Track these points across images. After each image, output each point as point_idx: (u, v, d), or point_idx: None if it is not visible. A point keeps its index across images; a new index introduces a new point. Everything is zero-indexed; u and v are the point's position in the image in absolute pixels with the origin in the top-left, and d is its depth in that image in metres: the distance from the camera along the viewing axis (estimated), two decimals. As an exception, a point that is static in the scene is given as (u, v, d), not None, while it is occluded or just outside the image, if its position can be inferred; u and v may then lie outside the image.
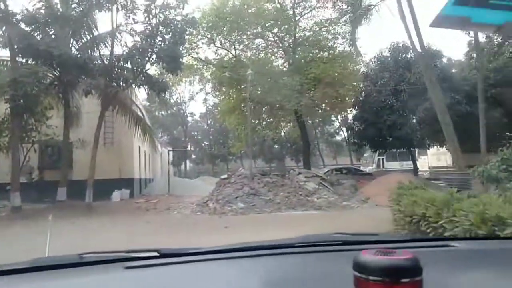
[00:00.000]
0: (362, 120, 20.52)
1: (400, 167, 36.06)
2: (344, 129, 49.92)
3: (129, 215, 15.14)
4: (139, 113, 20.66)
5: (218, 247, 1.38)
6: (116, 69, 16.79)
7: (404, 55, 21.47)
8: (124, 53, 16.24)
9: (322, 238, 1.58)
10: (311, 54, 19.79)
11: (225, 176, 17.57)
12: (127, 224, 12.46)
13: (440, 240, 1.67)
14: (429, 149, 29.01)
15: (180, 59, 17.51)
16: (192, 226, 11.34)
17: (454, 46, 68.11)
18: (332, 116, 34.16)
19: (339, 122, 50.86)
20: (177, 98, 45.77)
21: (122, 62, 16.53)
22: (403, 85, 19.51)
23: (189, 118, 47.37)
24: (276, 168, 45.27)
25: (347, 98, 19.40)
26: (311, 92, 18.17)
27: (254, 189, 15.75)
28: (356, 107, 21.40)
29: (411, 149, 24.84)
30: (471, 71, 21.31)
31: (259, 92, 19.48)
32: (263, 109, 21.51)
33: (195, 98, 46.73)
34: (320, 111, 20.79)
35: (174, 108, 45.19)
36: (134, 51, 15.83)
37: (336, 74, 18.74)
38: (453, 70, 21.61)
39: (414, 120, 19.49)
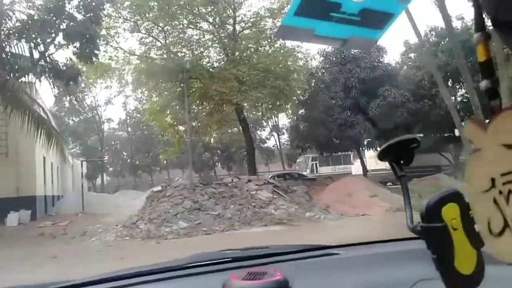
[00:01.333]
0: (309, 120, 18.55)
1: (333, 172, 35.31)
2: (275, 134, 48.59)
3: (28, 246, 11.00)
4: (42, 114, 16.24)
5: (89, 279, 1.31)
6: (4, 50, 12.48)
7: (348, 51, 20.17)
8: (18, 27, 12.07)
9: (211, 256, 1.53)
10: (252, 46, 17.26)
11: (159, 188, 14.18)
12: (23, 263, 8.53)
13: (323, 249, 1.59)
14: (367, 151, 28.41)
15: (97, 40, 13.81)
16: (123, 262, 7.86)
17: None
18: (268, 118, 32.07)
19: (270, 127, 49.32)
20: (92, 102, 40.20)
21: (13, 40, 12.29)
22: (352, 81, 18.03)
23: (106, 125, 41.95)
24: (206, 177, 42.15)
25: (295, 94, 17.19)
26: (258, 86, 15.66)
27: (198, 203, 12.63)
28: (302, 106, 19.42)
29: (359, 150, 23.73)
30: (411, 69, 20.70)
31: (198, 85, 16.46)
32: (203, 106, 18.33)
33: (112, 102, 41.53)
34: (269, 107, 18.31)
35: (89, 114, 39.50)
36: (30, 25, 11.77)
37: (281, 68, 16.52)
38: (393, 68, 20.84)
39: (365, 119, 18.07)
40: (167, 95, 18.06)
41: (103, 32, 18.89)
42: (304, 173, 27.50)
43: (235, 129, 25.65)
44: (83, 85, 40.29)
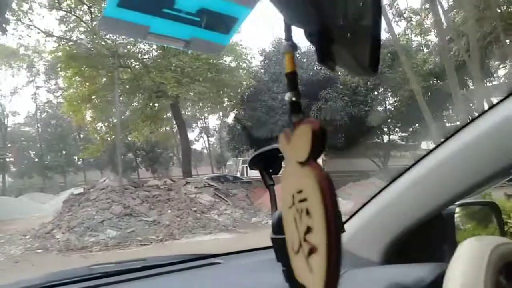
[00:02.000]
0: (249, 121, 17.65)
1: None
2: (204, 136, 47.08)
3: None
4: None
5: None
6: None
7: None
8: None
9: (74, 273, 1.31)
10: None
11: (80, 190, 12.07)
12: None
13: (205, 258, 1.46)
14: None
15: (6, 13, 11.36)
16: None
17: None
18: (203, 117, 30.38)
19: (199, 128, 47.93)
20: (-7, 90, 34.81)
21: None
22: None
23: (11, 119, 36.57)
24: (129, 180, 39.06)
25: (239, 91, 16.09)
26: (201, 79, 14.27)
27: (130, 208, 10.89)
28: (242, 106, 18.46)
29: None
30: (346, 76, 20.99)
31: (128, 75, 14.54)
32: (133, 99, 16.25)
33: (19, 93, 36.30)
34: (209, 104, 16.87)
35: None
36: None
37: (224, 63, 15.37)
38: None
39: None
40: (90, 85, 15.72)
41: (13, 6, 16.01)
42: (239, 176, 26.59)
43: (164, 128, 23.82)
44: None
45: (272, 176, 0.85)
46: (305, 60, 19.45)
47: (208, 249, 8.40)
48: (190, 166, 17.74)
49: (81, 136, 37.44)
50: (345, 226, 1.12)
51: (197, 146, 47.41)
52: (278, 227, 0.66)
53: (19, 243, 9.79)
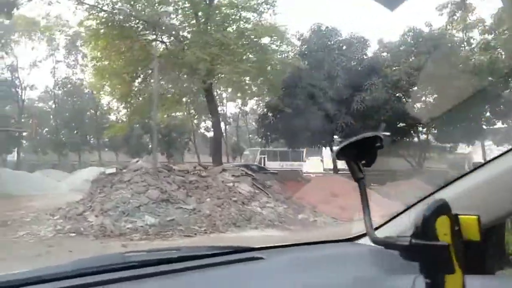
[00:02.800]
0: (284, 108, 16.41)
1: (280, 167, 33.88)
2: (223, 123, 45.95)
3: None
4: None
5: None
6: None
7: (331, 37, 18.52)
8: None
9: (107, 260, 1.20)
10: (232, 13, 14.42)
11: (112, 170, 11.10)
12: None
13: (245, 251, 1.33)
14: (325, 149, 27.33)
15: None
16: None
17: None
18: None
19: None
20: (13, 62, 33.93)
21: None
22: (338, 70, 16.36)
23: (28, 92, 35.71)
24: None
25: (281, 74, 14.79)
26: (245, 58, 13.11)
27: (167, 193, 9.90)
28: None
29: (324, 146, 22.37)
30: (386, 68, 19.62)
31: (165, 48, 13.38)
32: (169, 76, 15.07)
33: (38, 66, 35.30)
34: (248, 87, 15.65)
35: (5, 75, 33.22)
36: None
37: (263, 44, 14.15)
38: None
39: (347, 113, 16.46)
40: (121, 59, 14.61)
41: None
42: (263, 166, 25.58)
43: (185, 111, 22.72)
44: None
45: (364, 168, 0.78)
46: (347, 48, 18.27)
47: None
48: (221, 153, 16.67)
49: (98, 114, 36.65)
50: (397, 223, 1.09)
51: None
52: (423, 231, 0.59)
53: (48, 223, 8.87)
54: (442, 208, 0.62)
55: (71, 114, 35.27)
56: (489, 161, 0.98)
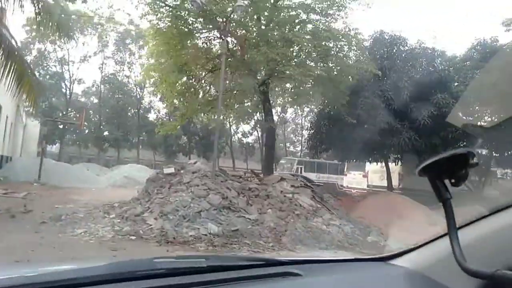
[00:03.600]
0: (346, 117, 15.27)
1: (317, 180, 32.73)
2: (259, 129, 45.33)
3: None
4: (13, 42, 11.97)
5: None
6: None
7: (394, 48, 17.38)
8: None
9: (138, 266, 1.16)
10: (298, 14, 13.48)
11: (170, 170, 10.47)
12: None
13: (279, 265, 1.23)
14: (370, 164, 26.05)
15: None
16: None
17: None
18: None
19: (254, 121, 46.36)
20: (64, 55, 34.78)
21: None
22: (405, 81, 15.19)
23: (75, 86, 36.53)
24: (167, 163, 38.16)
25: (348, 81, 13.68)
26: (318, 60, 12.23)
27: (228, 199, 9.17)
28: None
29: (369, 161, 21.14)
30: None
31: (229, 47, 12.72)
32: (229, 76, 14.39)
33: (89, 61, 36.06)
34: (307, 94, 14.67)
35: (56, 68, 34.07)
36: None
37: (335, 47, 13.20)
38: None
39: (411, 127, 15.22)
40: (185, 54, 14.06)
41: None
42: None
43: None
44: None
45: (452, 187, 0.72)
46: (413, 58, 17.09)
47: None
48: (273, 161, 15.85)
49: (140, 112, 36.90)
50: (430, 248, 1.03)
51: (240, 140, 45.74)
52: None
53: (105, 222, 8.30)
54: None
55: (114, 110, 35.72)
56: None
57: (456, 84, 17.34)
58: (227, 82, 15.00)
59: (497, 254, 0.93)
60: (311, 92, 13.97)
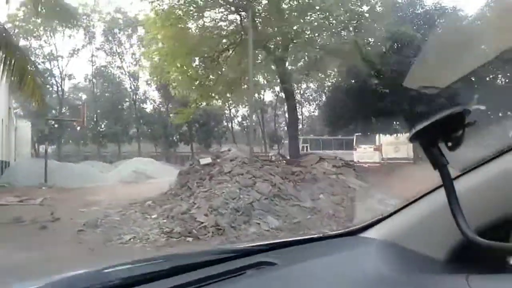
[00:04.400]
0: (378, 87, 14.16)
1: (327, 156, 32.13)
2: (259, 111, 44.23)
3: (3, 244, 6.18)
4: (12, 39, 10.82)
5: None
6: None
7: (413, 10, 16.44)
8: None
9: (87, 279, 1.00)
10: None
11: (207, 160, 9.57)
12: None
13: (249, 254, 1.14)
14: (384, 137, 25.41)
15: None
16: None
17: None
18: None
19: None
20: (52, 50, 33.09)
21: None
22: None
23: (67, 82, 34.91)
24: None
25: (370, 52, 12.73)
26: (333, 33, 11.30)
27: (276, 186, 8.35)
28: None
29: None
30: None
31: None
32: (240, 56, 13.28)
33: (78, 54, 34.20)
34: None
35: (45, 64, 32.39)
36: None
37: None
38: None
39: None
40: (194, 37, 12.96)
41: None
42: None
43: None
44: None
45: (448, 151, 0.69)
46: (433, 20, 16.19)
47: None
48: (298, 141, 14.96)
49: (137, 104, 35.52)
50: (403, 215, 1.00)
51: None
52: None
53: (150, 224, 7.41)
54: None
55: (109, 104, 34.27)
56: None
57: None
58: (241, 61, 14.01)
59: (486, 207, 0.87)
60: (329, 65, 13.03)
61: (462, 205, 0.78)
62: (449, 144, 0.70)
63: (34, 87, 10.28)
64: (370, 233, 1.17)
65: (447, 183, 0.73)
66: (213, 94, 14.64)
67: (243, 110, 41.07)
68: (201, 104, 15.04)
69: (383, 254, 1.06)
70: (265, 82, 15.78)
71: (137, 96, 35.85)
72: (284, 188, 8.51)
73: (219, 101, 16.26)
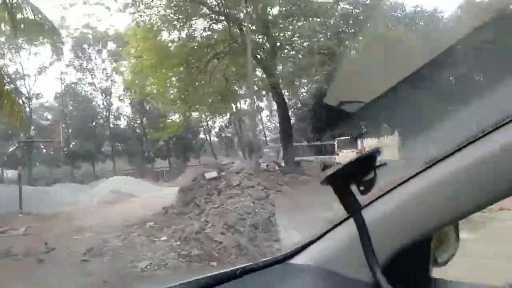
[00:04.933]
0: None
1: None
2: (236, 121, 43.74)
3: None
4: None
5: None
6: None
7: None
8: None
9: None
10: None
11: (213, 174, 9.02)
12: None
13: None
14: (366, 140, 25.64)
15: None
16: None
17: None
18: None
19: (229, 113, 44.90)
20: (17, 69, 31.37)
21: None
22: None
23: (35, 101, 33.11)
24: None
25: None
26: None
27: (291, 197, 7.95)
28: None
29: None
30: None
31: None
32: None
33: (46, 72, 32.35)
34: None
35: (12, 84, 30.58)
36: None
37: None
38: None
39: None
40: (178, 48, 12.44)
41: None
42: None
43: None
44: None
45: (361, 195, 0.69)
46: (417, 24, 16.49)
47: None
48: (294, 150, 14.55)
49: (110, 121, 34.14)
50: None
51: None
52: None
53: (161, 247, 6.76)
54: None
55: (81, 122, 32.73)
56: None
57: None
58: (228, 68, 13.62)
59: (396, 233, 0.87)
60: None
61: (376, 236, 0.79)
62: (361, 188, 0.68)
63: (13, 107, 9.50)
64: (299, 259, 1.12)
65: (360, 228, 0.71)
66: (199, 106, 14.12)
67: (219, 121, 40.48)
68: (191, 115, 14.44)
69: (313, 281, 1.04)
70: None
71: (110, 113, 34.58)
72: (299, 199, 8.11)
73: (206, 112, 15.69)
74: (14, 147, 29.72)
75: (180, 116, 14.12)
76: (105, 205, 19.18)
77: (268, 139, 46.47)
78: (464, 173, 0.78)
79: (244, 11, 12.30)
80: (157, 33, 12.85)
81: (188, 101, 13.34)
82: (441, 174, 0.82)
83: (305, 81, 15.51)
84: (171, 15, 12.62)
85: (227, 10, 12.16)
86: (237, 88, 13.87)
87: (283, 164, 13.82)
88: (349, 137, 25.11)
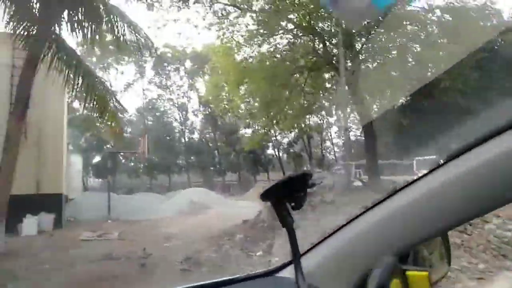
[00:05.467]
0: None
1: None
2: (305, 137, 43.27)
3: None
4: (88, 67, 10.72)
5: None
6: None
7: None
8: None
9: None
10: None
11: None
12: None
13: None
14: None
15: None
16: None
17: None
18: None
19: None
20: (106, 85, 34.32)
21: None
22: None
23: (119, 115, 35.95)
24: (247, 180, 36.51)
25: None
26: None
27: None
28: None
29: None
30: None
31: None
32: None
33: (132, 87, 35.15)
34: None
35: (115, 99, 33.56)
36: None
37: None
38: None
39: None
40: (272, 62, 12.57)
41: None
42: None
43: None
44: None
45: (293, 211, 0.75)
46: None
47: None
48: (377, 164, 13.91)
49: (186, 134, 35.78)
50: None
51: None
52: None
53: (258, 262, 6.68)
54: (394, 271, 0.62)
55: (161, 136, 34.66)
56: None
57: None
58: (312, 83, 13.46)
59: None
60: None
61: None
62: (292, 204, 0.72)
63: (113, 122, 10.06)
64: (287, 272, 1.10)
65: (293, 241, 0.75)
66: (281, 120, 14.11)
67: (289, 136, 40.36)
68: (270, 130, 14.52)
69: None
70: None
71: (185, 127, 36.23)
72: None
73: (289, 126, 15.64)
74: (100, 157, 32.09)
75: (259, 129, 14.22)
76: (184, 214, 19.92)
77: (337, 156, 45.41)
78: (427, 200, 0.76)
79: (329, 23, 12.17)
80: (239, 49, 13.10)
81: (269, 115, 13.40)
82: (391, 208, 0.82)
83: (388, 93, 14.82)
84: (255, 31, 12.80)
85: (312, 23, 12.05)
86: (323, 103, 13.61)
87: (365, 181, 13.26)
88: (434, 157, 23.50)
